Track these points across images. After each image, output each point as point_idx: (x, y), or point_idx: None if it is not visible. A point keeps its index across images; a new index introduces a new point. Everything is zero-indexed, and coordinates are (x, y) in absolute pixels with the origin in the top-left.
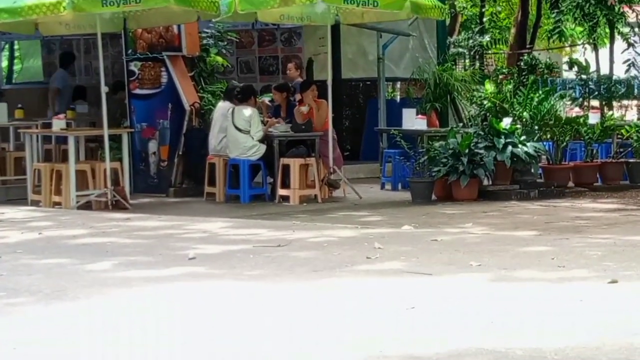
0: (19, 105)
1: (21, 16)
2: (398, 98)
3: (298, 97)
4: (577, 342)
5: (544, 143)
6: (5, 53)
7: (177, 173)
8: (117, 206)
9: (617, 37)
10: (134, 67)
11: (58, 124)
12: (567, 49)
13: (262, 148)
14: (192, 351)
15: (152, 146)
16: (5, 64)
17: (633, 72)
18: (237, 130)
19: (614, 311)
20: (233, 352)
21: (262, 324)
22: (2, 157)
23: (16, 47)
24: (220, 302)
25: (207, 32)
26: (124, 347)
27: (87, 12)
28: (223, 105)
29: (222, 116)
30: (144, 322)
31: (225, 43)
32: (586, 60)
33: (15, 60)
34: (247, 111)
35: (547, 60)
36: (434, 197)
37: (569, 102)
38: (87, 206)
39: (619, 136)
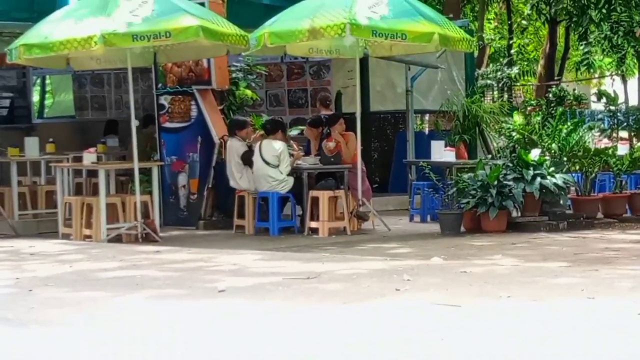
0: (50, 140)
1: (53, 51)
2: (426, 130)
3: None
4: None
5: (573, 174)
6: (37, 88)
7: (207, 206)
8: (147, 239)
9: None
10: (164, 100)
11: (89, 157)
12: (595, 80)
13: (291, 181)
14: None
15: (182, 179)
16: (36, 98)
17: None
18: (266, 165)
19: None
20: None
21: (292, 355)
22: (34, 190)
23: (47, 81)
24: (249, 333)
25: (237, 66)
26: None
27: (117, 46)
28: (232, 144)
29: (234, 154)
30: (170, 352)
31: (255, 76)
32: (614, 92)
33: (47, 95)
34: (277, 145)
35: (575, 91)
36: (462, 228)
37: (597, 134)
38: (117, 239)
39: None
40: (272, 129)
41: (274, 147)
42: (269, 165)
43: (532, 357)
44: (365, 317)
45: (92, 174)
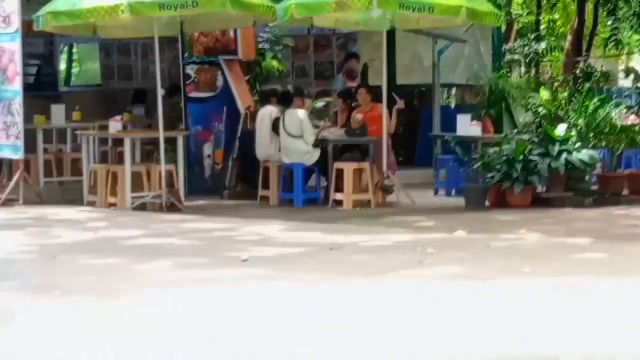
0: (77, 108)
1: (80, 19)
2: (453, 104)
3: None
4: (630, 350)
5: (599, 151)
6: (64, 56)
7: (232, 176)
8: (172, 208)
9: None
10: (191, 70)
11: (114, 126)
12: (624, 57)
13: (316, 153)
14: (232, 348)
15: (207, 149)
16: (63, 66)
17: None
18: (290, 137)
19: None
20: (283, 349)
21: (310, 326)
22: (59, 158)
23: (74, 49)
24: (271, 303)
25: (263, 37)
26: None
27: (144, 15)
28: (264, 111)
29: (265, 122)
30: (193, 321)
31: (281, 47)
32: None
33: (74, 63)
34: (299, 115)
35: (603, 68)
36: (487, 203)
37: (624, 110)
38: (142, 207)
39: None
40: (289, 98)
41: (296, 117)
42: (293, 136)
43: (552, 330)
44: (388, 290)
45: (118, 142)
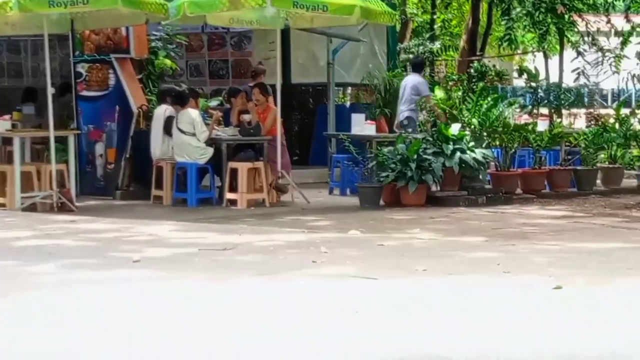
0: None
1: None
2: (348, 103)
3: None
4: (520, 348)
5: (493, 150)
6: None
7: (124, 176)
8: (63, 208)
9: (567, 46)
10: (82, 68)
11: (3, 125)
12: (518, 56)
13: (210, 151)
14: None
15: (99, 148)
16: None
17: (582, 80)
18: (182, 134)
19: (556, 317)
20: (170, 351)
21: (203, 326)
22: None
23: None
24: (162, 303)
25: (156, 35)
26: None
27: (33, 12)
28: (160, 110)
29: (159, 120)
30: (79, 321)
31: (174, 46)
32: (536, 68)
33: None
34: (191, 113)
35: (497, 67)
36: (382, 202)
37: (518, 110)
38: (32, 208)
39: (567, 144)
40: (184, 100)
41: (188, 115)
42: (185, 134)
43: (444, 330)
44: (281, 289)
45: (7, 141)
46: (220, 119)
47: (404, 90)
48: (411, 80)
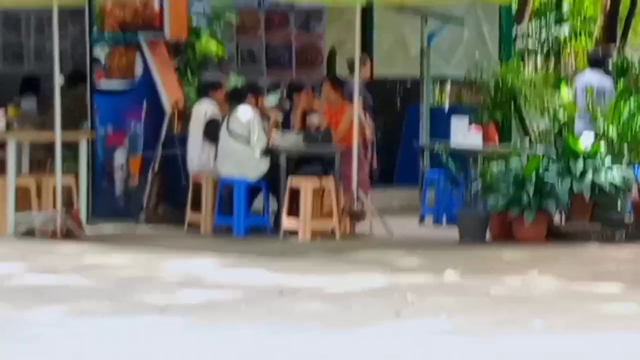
0: None
1: None
2: (447, 105)
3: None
4: None
5: (635, 170)
6: None
7: (151, 194)
8: (69, 235)
9: None
10: (100, 52)
11: None
12: None
13: (265, 164)
14: None
15: (120, 157)
16: None
17: None
18: (232, 138)
19: None
20: None
21: None
22: None
23: None
24: None
25: (199, 11)
26: None
27: None
28: (200, 108)
29: (199, 122)
30: None
31: (222, 25)
32: None
33: None
34: (247, 112)
35: None
36: (488, 236)
37: None
38: (29, 234)
39: None
40: (239, 97)
41: (242, 114)
42: (236, 138)
43: None
44: (354, 350)
45: None
46: (278, 121)
47: (598, 96)
48: (603, 82)
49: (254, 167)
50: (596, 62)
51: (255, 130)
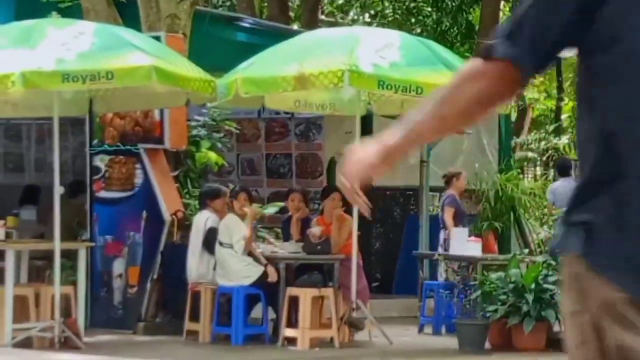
0: None
1: None
2: None
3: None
4: None
5: None
6: None
7: (150, 303)
8: (67, 344)
9: None
10: (100, 162)
11: None
12: None
13: (256, 270)
14: None
15: (118, 266)
16: None
17: None
18: (222, 247)
19: None
20: None
21: None
22: None
23: None
24: None
25: (199, 121)
26: None
27: (42, 89)
28: (200, 218)
29: (198, 232)
30: None
31: (222, 135)
32: None
33: None
34: (226, 218)
35: None
36: (488, 344)
37: None
38: (27, 343)
39: None
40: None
41: (224, 221)
42: (223, 245)
43: None
44: None
45: None
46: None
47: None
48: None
49: (245, 275)
50: (561, 170)
51: (235, 232)
